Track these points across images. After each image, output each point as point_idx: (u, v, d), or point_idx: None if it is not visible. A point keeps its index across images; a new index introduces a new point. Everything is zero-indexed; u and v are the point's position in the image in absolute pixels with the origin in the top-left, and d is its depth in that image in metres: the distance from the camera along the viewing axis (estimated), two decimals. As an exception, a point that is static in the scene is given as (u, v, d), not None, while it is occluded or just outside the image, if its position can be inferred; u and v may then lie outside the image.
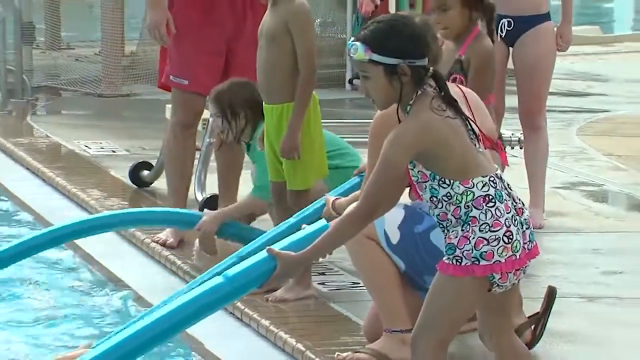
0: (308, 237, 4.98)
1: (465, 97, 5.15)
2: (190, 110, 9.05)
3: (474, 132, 4.61)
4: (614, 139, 12.27)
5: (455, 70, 6.52)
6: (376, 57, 4.49)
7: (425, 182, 4.63)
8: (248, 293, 5.27)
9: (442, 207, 4.62)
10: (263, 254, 4.84)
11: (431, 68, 4.58)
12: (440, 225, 4.69)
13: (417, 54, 4.51)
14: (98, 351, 5.29)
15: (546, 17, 9.27)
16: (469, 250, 4.53)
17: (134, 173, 10.45)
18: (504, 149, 6.56)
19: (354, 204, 4.90)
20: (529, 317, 6.23)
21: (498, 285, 4.61)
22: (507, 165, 6.67)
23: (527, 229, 4.66)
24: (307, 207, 6.75)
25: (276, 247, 4.95)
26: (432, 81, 4.59)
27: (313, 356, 5.99)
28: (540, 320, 6.15)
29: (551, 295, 6.02)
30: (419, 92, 4.50)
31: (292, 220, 6.54)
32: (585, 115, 13.32)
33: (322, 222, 5.12)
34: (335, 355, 6.03)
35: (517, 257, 4.56)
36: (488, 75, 6.68)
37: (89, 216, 8.78)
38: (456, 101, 4.63)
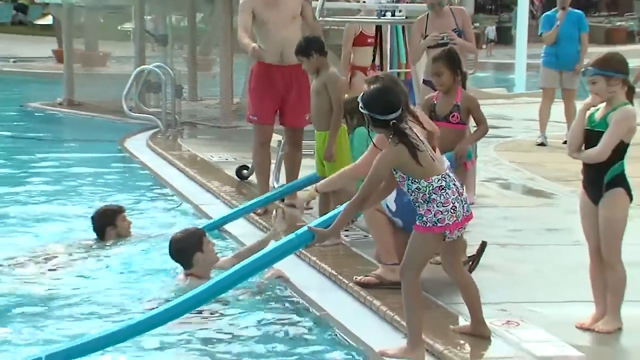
0: (332, 217, 6.65)
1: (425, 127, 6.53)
2: (262, 134, 10.71)
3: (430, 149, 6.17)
4: (515, 152, 14.26)
5: (454, 110, 8.16)
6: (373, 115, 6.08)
7: (403, 181, 6.10)
8: (304, 247, 6.90)
9: (414, 194, 6.10)
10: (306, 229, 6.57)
11: (396, 120, 5.98)
12: (414, 204, 6.14)
13: (388, 112, 6.01)
14: (210, 283, 6.91)
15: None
16: (430, 218, 6.03)
17: (238, 172, 12.26)
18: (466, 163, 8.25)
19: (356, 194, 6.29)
20: (469, 257, 7.73)
21: (448, 237, 6.11)
22: (467, 169, 8.54)
23: (465, 203, 6.11)
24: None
25: (313, 224, 6.70)
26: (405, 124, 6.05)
27: (342, 278, 7.76)
28: (475, 259, 7.72)
29: (483, 246, 7.69)
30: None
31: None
32: (499, 139, 15.33)
33: (338, 210, 6.62)
34: (354, 278, 7.60)
35: (459, 220, 6.06)
36: (480, 110, 8.40)
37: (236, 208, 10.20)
38: (416, 134, 6.05)
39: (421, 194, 6.03)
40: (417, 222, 6.12)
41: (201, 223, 9.92)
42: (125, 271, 8.69)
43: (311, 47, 9.37)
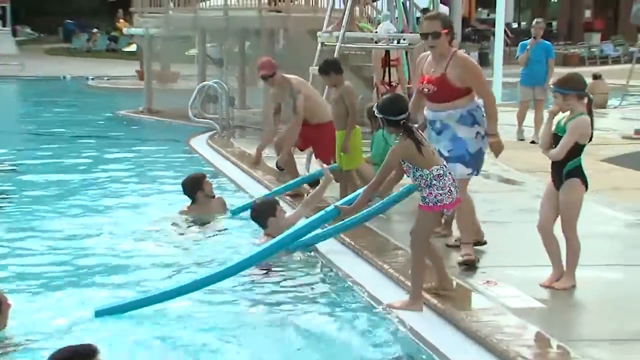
0: (352, 198, 6.83)
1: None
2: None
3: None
4: None
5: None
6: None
7: (410, 169, 6.18)
8: (331, 220, 7.22)
9: (418, 180, 6.16)
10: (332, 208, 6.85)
11: (405, 120, 6.10)
12: (417, 188, 6.24)
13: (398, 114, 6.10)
14: (259, 249, 7.13)
15: None
16: (432, 199, 6.14)
17: (277, 164, 11.21)
18: None
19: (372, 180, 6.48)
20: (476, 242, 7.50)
21: (445, 214, 6.51)
22: None
23: (456, 188, 6.24)
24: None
25: (339, 203, 6.99)
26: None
27: (358, 247, 7.66)
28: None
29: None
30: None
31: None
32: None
33: (357, 192, 6.80)
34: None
35: (453, 201, 6.21)
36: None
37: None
38: (420, 133, 6.28)
39: (423, 180, 6.10)
40: (421, 203, 6.21)
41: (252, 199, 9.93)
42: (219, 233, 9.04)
43: (330, 68, 9.44)
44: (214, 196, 9.84)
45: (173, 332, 6.04)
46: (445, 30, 7.07)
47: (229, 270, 6.77)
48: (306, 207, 8.55)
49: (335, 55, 11.72)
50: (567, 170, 6.42)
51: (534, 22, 15.50)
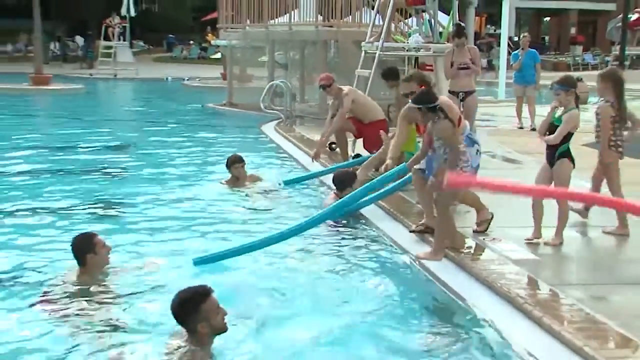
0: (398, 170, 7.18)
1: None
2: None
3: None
4: (499, 136, 13.47)
5: None
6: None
7: (441, 146, 6.12)
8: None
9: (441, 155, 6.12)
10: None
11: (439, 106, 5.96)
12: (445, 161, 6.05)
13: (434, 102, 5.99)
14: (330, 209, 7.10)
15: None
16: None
17: (330, 145, 11.42)
18: None
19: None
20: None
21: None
22: None
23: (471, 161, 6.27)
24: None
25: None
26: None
27: (395, 212, 7.12)
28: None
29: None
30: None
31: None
32: (489, 127, 14.76)
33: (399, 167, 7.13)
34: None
35: (473, 170, 6.27)
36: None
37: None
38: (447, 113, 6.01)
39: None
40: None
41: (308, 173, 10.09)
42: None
43: (388, 75, 9.46)
44: (245, 175, 9.43)
45: (256, 278, 5.87)
46: (422, 86, 6.76)
47: (304, 225, 6.72)
48: (365, 168, 8.55)
49: (375, 61, 11.69)
50: (559, 152, 6.36)
51: (521, 36, 15.76)
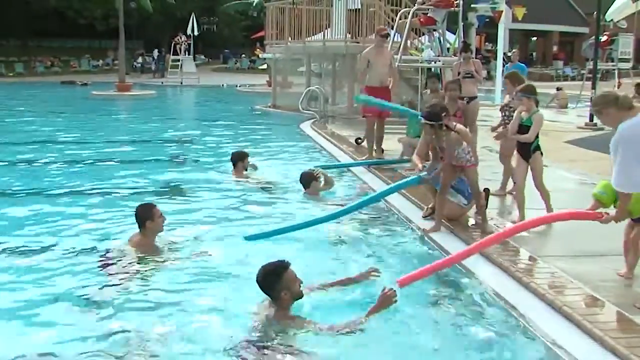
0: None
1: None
2: (370, 122, 10.02)
3: None
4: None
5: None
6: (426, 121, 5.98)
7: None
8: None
9: (459, 154, 5.98)
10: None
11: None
12: (458, 157, 5.94)
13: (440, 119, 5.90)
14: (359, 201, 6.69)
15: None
16: (465, 161, 5.98)
17: (356, 140, 11.53)
18: None
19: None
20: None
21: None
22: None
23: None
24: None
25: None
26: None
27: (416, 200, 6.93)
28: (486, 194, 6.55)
29: (487, 191, 6.53)
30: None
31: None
32: (488, 127, 12.95)
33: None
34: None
35: (474, 162, 6.06)
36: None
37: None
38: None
39: (463, 151, 6.04)
40: (454, 163, 6.03)
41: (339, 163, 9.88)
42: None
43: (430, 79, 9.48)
44: (247, 169, 8.93)
45: (303, 254, 5.57)
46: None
47: (349, 209, 6.51)
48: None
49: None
50: (533, 147, 6.30)
51: (510, 52, 15.98)
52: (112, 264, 5.14)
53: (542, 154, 6.40)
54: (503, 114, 7.68)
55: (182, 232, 6.06)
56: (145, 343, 3.89)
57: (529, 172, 6.45)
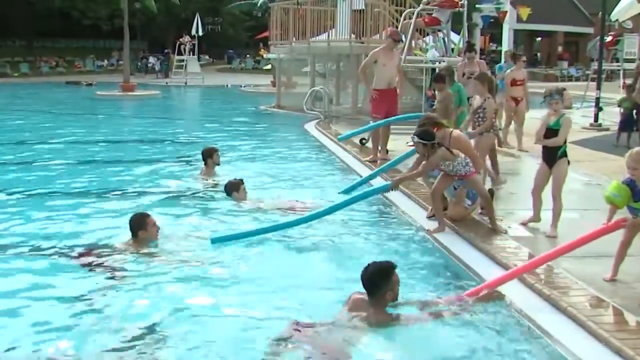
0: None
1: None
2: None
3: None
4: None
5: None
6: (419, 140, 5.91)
7: (443, 165, 6.06)
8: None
9: (455, 167, 6.04)
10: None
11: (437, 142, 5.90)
12: (453, 169, 6.01)
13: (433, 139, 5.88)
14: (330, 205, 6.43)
15: None
16: (462, 171, 6.02)
17: (360, 141, 11.44)
18: None
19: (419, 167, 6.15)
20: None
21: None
22: None
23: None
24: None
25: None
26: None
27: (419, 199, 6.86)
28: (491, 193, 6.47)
29: (491, 192, 6.48)
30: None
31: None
32: None
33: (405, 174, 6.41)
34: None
35: (469, 172, 6.02)
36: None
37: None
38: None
39: (459, 166, 6.04)
40: (451, 173, 6.07)
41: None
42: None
43: (436, 79, 9.17)
44: (219, 164, 8.72)
45: (274, 257, 5.51)
46: (435, 127, 6.18)
47: (318, 214, 6.32)
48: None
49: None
50: (560, 152, 6.03)
51: (504, 52, 15.82)
52: (100, 264, 5.12)
53: (569, 162, 6.08)
54: (477, 116, 7.54)
55: (182, 233, 6.06)
56: (141, 345, 3.87)
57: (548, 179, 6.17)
